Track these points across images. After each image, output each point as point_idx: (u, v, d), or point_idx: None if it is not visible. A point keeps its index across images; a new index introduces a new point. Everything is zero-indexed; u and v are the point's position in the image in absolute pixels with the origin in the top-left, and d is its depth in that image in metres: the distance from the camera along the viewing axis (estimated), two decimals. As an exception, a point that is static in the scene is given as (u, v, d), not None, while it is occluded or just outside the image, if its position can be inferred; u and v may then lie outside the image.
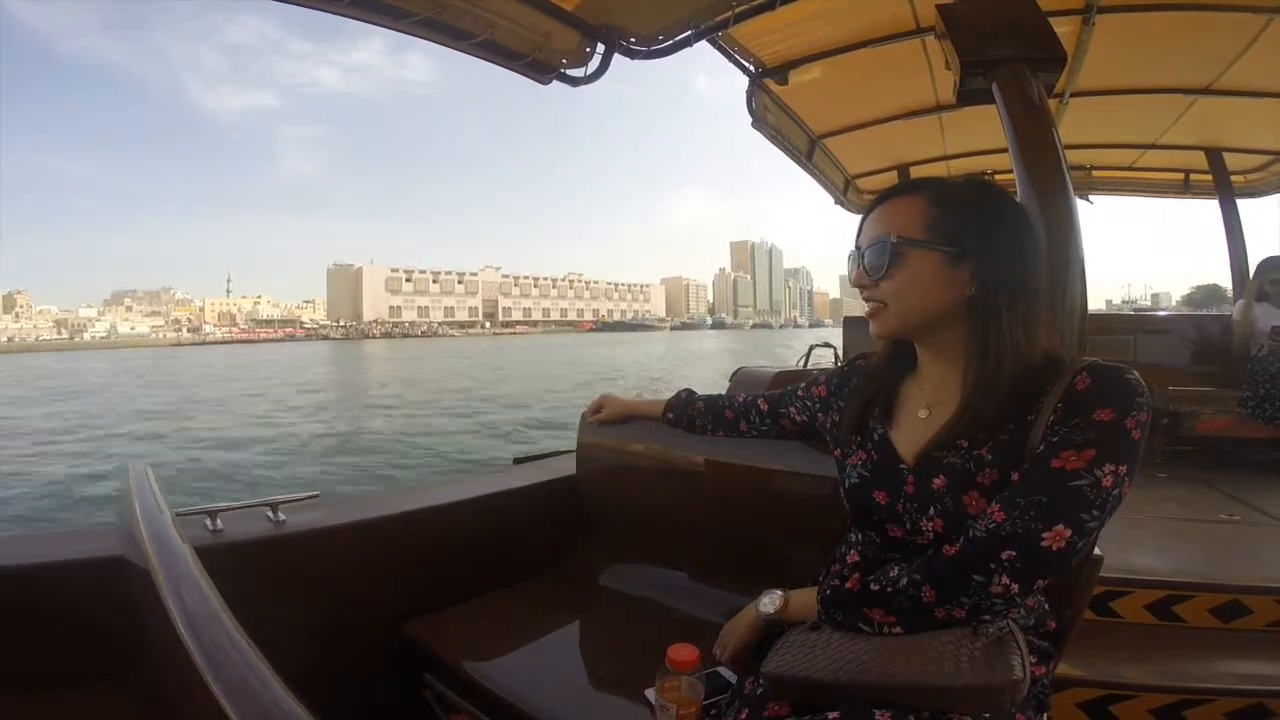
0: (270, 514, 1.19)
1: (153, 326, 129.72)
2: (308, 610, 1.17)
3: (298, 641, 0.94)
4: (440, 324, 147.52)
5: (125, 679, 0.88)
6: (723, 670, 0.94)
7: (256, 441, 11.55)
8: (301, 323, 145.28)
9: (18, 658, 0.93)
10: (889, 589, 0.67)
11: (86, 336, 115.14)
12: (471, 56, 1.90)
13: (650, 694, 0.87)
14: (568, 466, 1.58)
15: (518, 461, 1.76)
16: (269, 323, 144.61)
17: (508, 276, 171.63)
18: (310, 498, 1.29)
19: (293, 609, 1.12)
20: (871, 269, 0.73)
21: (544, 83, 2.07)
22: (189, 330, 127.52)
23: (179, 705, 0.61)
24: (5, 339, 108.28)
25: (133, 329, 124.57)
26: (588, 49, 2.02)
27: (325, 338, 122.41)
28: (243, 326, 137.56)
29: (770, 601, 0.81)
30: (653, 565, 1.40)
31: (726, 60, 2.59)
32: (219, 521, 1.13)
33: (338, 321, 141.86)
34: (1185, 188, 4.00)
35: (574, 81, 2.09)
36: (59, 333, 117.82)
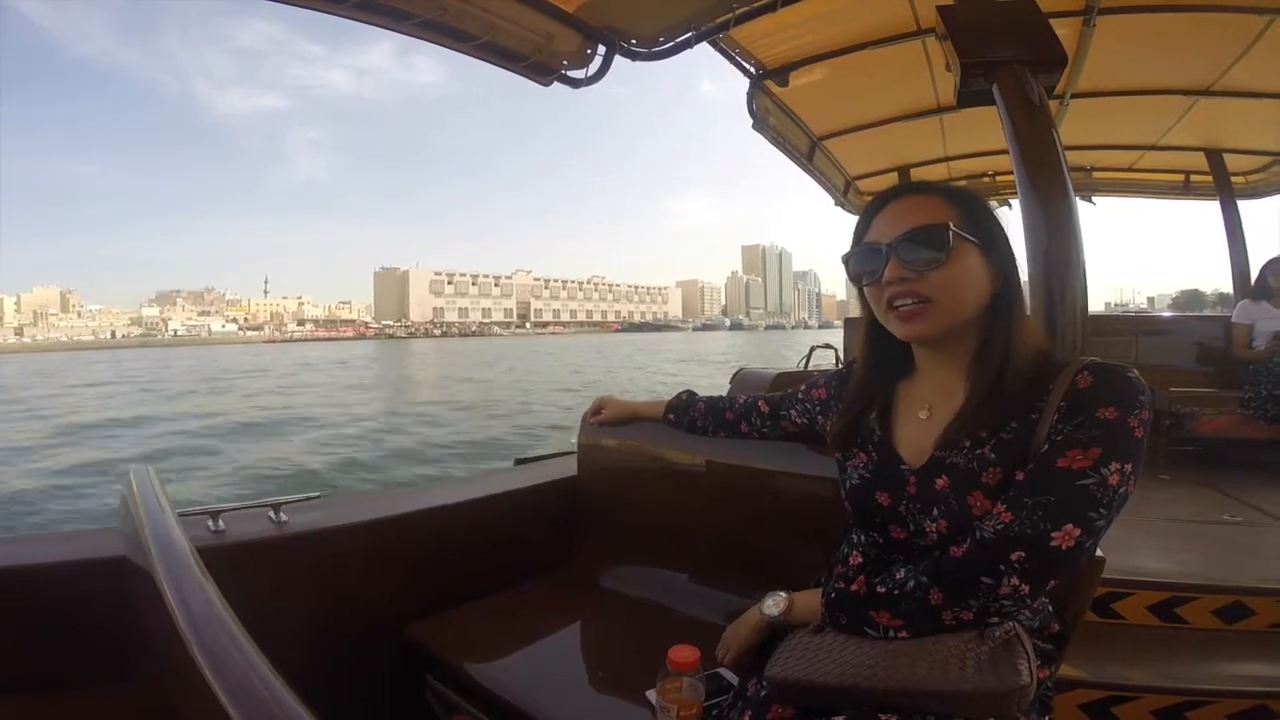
0: (272, 515, 1.19)
1: (233, 323, 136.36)
2: (310, 611, 1.17)
3: (300, 643, 0.94)
4: (489, 324, 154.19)
5: (127, 680, 0.88)
6: (723, 671, 0.93)
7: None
8: (368, 323, 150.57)
9: (20, 658, 0.93)
10: (895, 591, 0.66)
11: (169, 334, 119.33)
12: (473, 58, 1.90)
13: (651, 695, 0.87)
14: (569, 468, 1.58)
15: (519, 463, 1.76)
16: (332, 323, 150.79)
17: (538, 279, 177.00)
18: (312, 498, 1.29)
19: (295, 610, 1.12)
20: (921, 261, 0.67)
21: (545, 84, 2.07)
22: (274, 329, 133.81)
23: (180, 707, 0.60)
24: (101, 335, 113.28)
25: (223, 327, 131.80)
26: (588, 51, 2.03)
27: (391, 336, 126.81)
28: (297, 326, 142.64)
29: (774, 603, 0.80)
30: (654, 566, 1.40)
31: (728, 62, 2.60)
32: (221, 522, 1.13)
33: (399, 321, 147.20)
34: (1186, 189, 4.01)
35: (575, 83, 2.09)
36: (137, 330, 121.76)
